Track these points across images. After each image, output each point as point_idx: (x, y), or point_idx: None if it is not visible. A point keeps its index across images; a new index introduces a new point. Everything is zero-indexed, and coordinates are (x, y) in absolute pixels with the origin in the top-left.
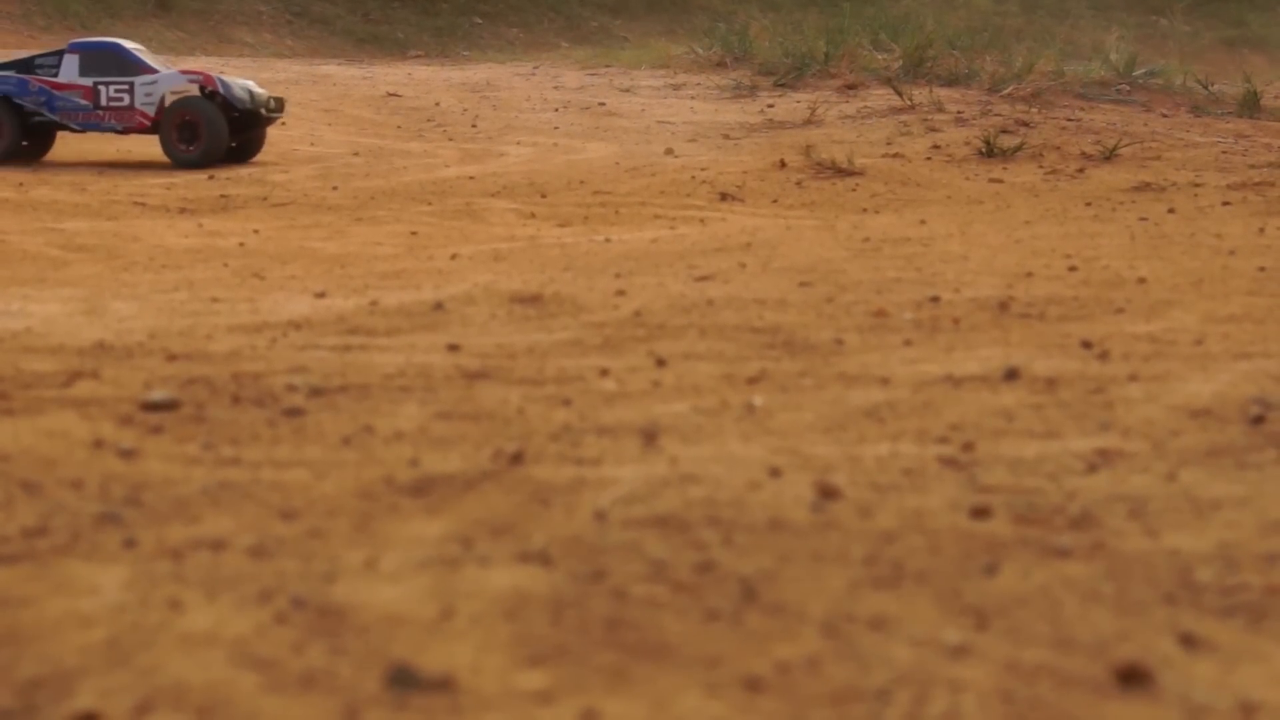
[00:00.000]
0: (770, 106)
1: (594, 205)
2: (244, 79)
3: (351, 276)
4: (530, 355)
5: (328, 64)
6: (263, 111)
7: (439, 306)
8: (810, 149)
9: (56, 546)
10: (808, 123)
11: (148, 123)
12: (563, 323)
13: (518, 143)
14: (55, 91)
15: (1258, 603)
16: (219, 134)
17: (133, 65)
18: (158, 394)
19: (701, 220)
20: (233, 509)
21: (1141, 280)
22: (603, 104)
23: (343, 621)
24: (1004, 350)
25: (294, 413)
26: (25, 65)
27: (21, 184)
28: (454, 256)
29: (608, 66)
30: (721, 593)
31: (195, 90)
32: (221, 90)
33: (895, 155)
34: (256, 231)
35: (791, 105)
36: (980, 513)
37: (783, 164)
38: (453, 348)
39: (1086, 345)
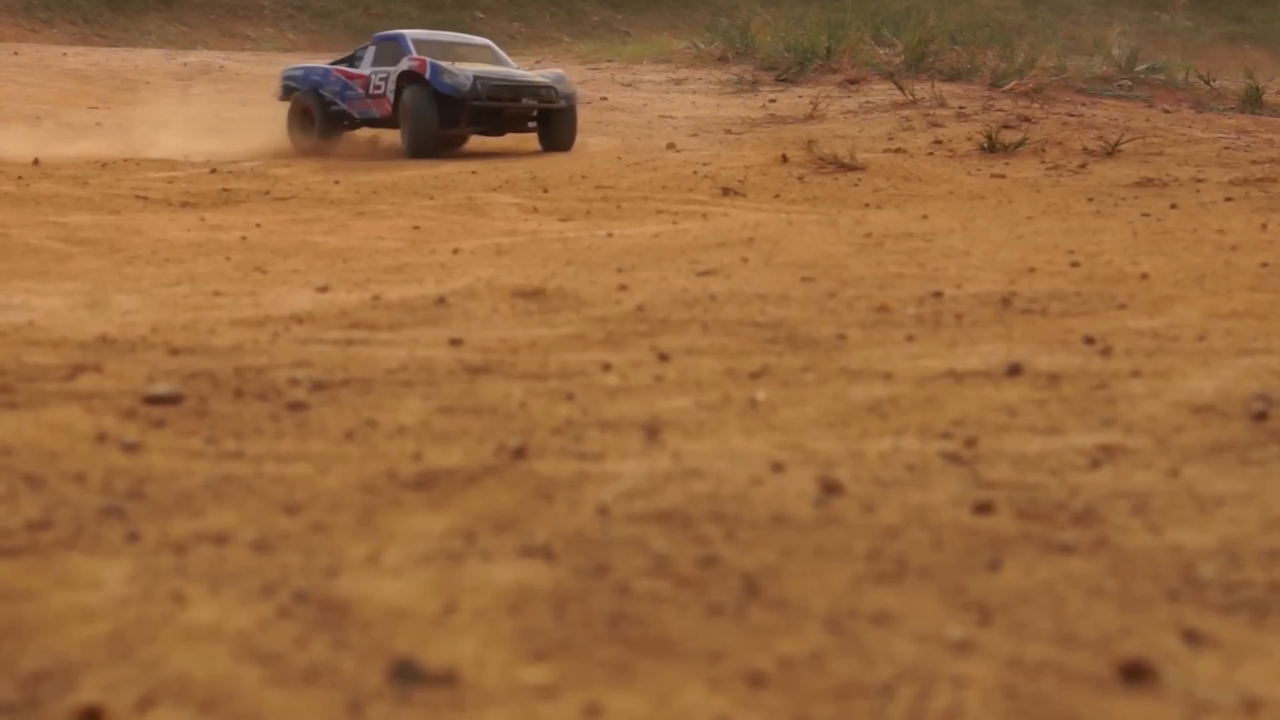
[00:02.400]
0: (772, 101)
1: (596, 200)
2: (488, 67)
3: (354, 271)
4: (532, 350)
5: (329, 58)
6: (482, 99)
7: (441, 301)
8: (812, 144)
9: (59, 540)
10: (809, 118)
11: (389, 110)
12: (565, 317)
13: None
14: (348, 81)
15: (1261, 599)
16: (422, 122)
17: (401, 54)
18: (160, 388)
19: (703, 215)
20: (236, 503)
21: (1144, 276)
22: (604, 98)
23: (346, 616)
24: (1006, 346)
25: (297, 407)
26: (350, 58)
27: (22, 177)
28: (456, 251)
29: (609, 61)
30: (724, 588)
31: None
32: (429, 76)
33: (897, 150)
34: (259, 225)
35: (793, 100)
36: (983, 508)
37: (784, 159)
38: (455, 342)
39: (1089, 341)
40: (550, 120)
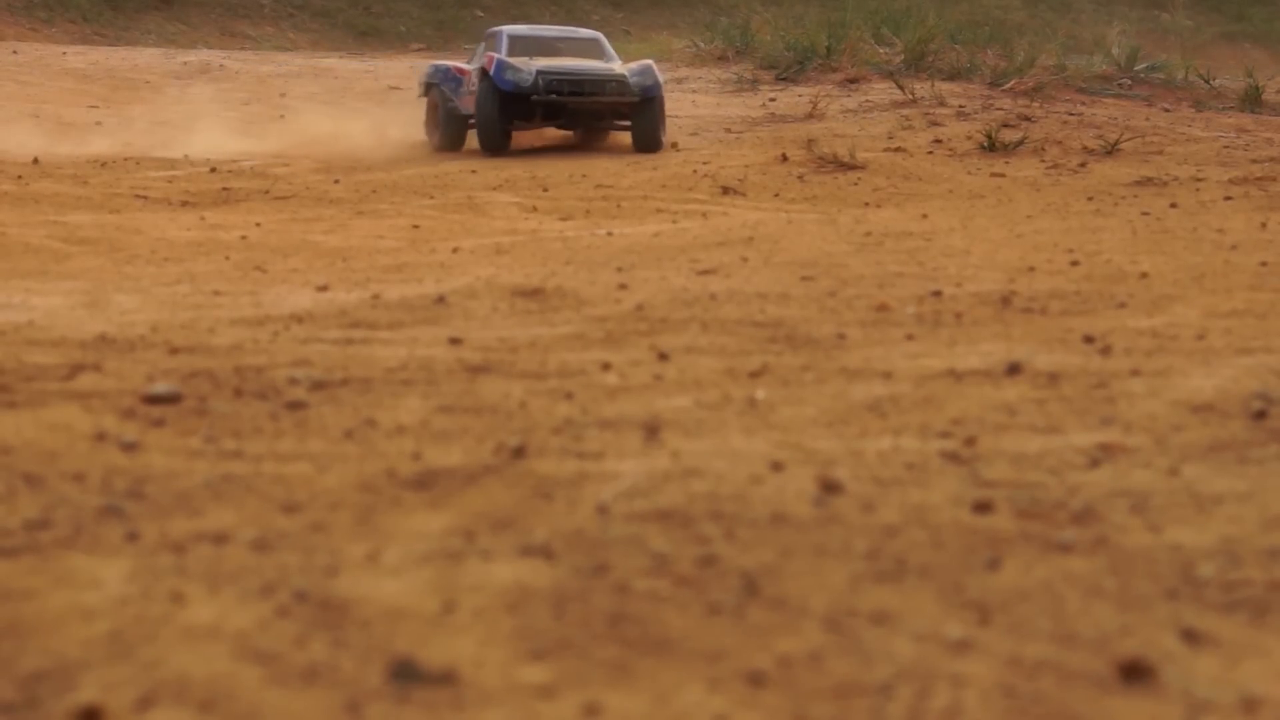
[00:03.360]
0: (772, 100)
1: (596, 199)
2: (568, 61)
3: (353, 270)
4: (532, 349)
5: (329, 57)
6: (542, 94)
7: (441, 300)
8: (812, 143)
9: (59, 539)
10: (809, 116)
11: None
12: (565, 316)
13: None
14: (460, 77)
15: (1260, 598)
16: (485, 119)
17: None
18: (160, 387)
19: (703, 214)
20: (235, 502)
21: (1143, 275)
22: None
23: (345, 615)
24: (1006, 345)
25: (296, 406)
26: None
27: (21, 176)
28: (455, 250)
29: None
30: (724, 587)
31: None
32: (492, 73)
33: (897, 149)
34: (258, 224)
35: (793, 99)
36: (982, 507)
37: (784, 158)
38: (455, 341)
39: (1088, 340)
40: (627, 116)
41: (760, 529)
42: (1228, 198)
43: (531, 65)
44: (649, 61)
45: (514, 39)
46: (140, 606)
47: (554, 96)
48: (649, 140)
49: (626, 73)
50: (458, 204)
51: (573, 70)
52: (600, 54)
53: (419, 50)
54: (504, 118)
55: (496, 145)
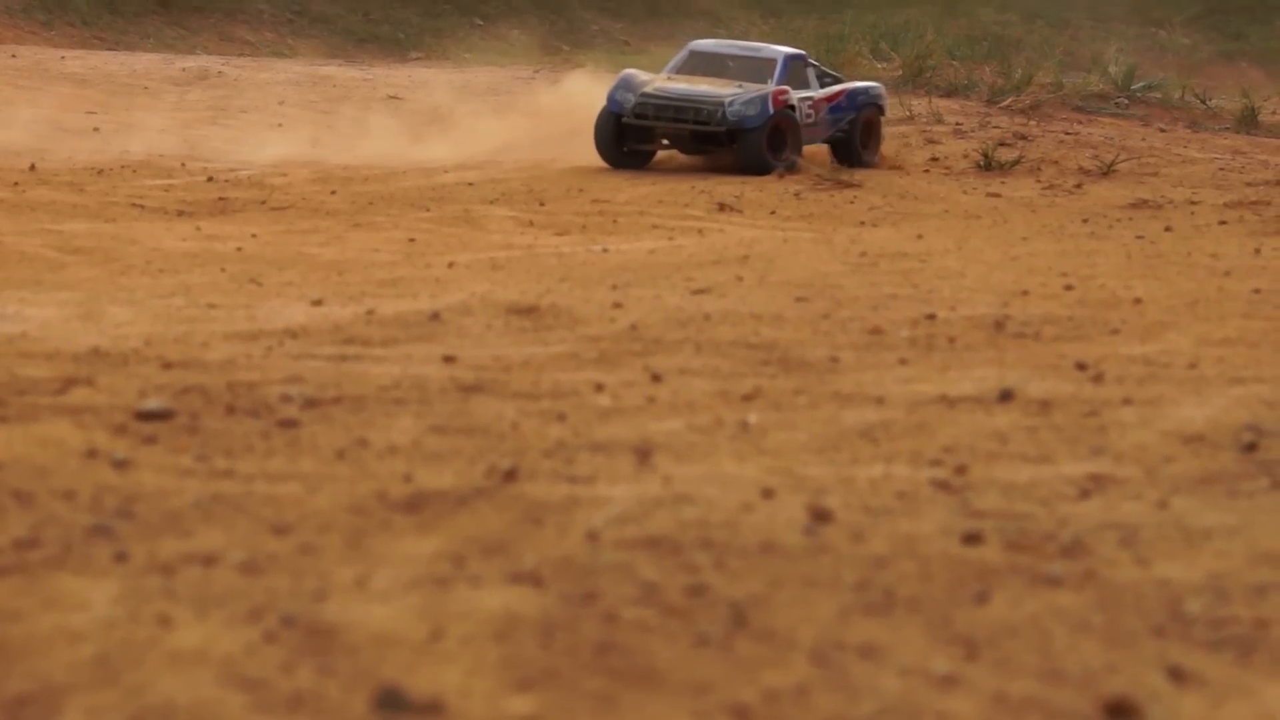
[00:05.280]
0: None
1: (592, 214)
2: (688, 83)
3: (348, 284)
4: (526, 368)
5: (328, 65)
6: (630, 117)
7: (435, 316)
8: (808, 160)
9: (47, 559)
10: None
11: None
12: (559, 335)
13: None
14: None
15: (1247, 636)
16: (597, 137)
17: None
18: (152, 403)
19: (699, 231)
20: (225, 523)
21: (1137, 301)
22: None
23: (332, 641)
24: (999, 371)
25: (288, 424)
26: None
27: (18, 184)
28: (451, 265)
29: (608, 72)
30: (712, 617)
31: None
32: (610, 90)
33: (894, 167)
34: (254, 236)
35: None
36: (972, 539)
37: (781, 174)
38: (448, 359)
39: (1081, 367)
40: (723, 142)
41: (750, 558)
42: (1222, 221)
43: (649, 86)
44: (764, 92)
45: (693, 54)
46: (127, 630)
47: (641, 120)
48: (746, 166)
49: (728, 101)
50: (454, 217)
51: (673, 94)
52: (763, 76)
53: (417, 59)
54: (615, 137)
55: (612, 162)
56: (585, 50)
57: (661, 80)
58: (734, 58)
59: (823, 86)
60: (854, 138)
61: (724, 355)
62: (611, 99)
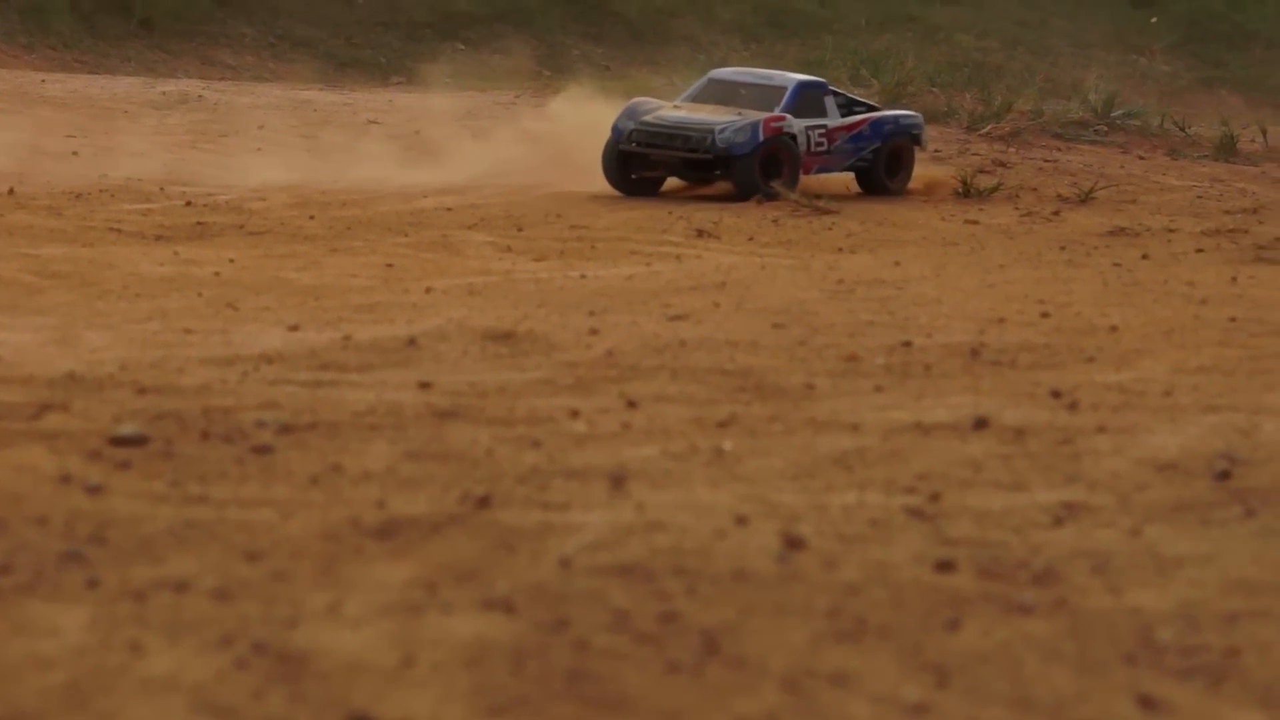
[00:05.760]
0: None
1: (570, 239)
2: (690, 111)
3: (325, 309)
4: (501, 395)
5: (309, 89)
6: (626, 144)
7: (412, 342)
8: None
9: (19, 585)
10: None
11: None
12: (535, 361)
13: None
14: None
15: (1217, 664)
16: (602, 164)
17: None
18: (127, 428)
19: (677, 257)
20: (197, 549)
21: (1113, 328)
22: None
23: (303, 668)
24: (974, 398)
25: (262, 450)
26: None
27: None
28: (428, 290)
29: (588, 97)
30: (683, 645)
31: None
32: (615, 119)
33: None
34: (232, 260)
35: None
36: (944, 566)
37: (759, 200)
38: (424, 385)
39: (1056, 395)
40: (715, 169)
41: (722, 585)
42: (1199, 249)
43: (650, 114)
44: (756, 119)
45: (711, 81)
46: (98, 656)
47: (635, 147)
48: (740, 193)
49: (718, 129)
50: (432, 242)
51: (667, 122)
52: (771, 104)
53: (398, 84)
54: (620, 165)
55: (620, 189)
56: (566, 75)
57: (667, 109)
58: (747, 85)
59: (851, 114)
60: (877, 167)
61: (700, 382)
62: (614, 126)
